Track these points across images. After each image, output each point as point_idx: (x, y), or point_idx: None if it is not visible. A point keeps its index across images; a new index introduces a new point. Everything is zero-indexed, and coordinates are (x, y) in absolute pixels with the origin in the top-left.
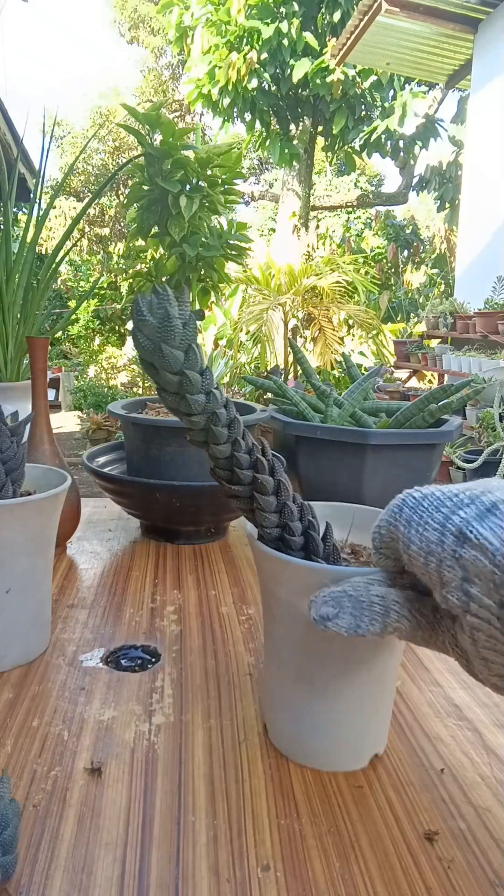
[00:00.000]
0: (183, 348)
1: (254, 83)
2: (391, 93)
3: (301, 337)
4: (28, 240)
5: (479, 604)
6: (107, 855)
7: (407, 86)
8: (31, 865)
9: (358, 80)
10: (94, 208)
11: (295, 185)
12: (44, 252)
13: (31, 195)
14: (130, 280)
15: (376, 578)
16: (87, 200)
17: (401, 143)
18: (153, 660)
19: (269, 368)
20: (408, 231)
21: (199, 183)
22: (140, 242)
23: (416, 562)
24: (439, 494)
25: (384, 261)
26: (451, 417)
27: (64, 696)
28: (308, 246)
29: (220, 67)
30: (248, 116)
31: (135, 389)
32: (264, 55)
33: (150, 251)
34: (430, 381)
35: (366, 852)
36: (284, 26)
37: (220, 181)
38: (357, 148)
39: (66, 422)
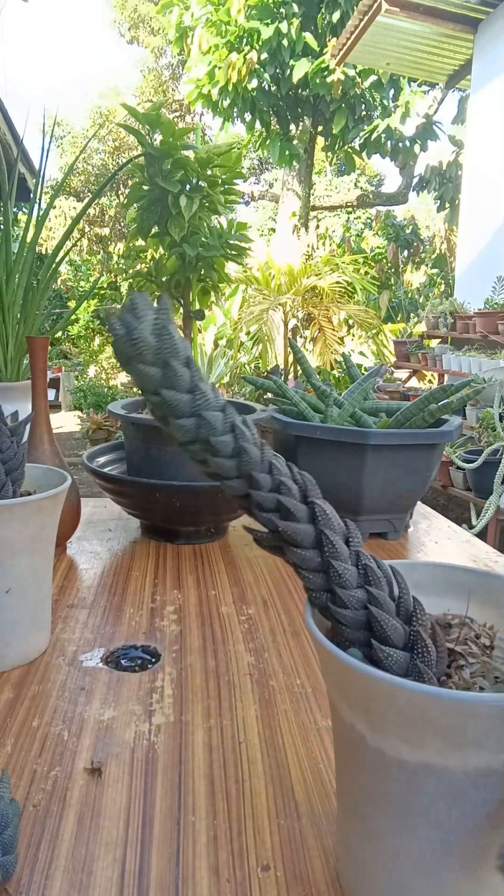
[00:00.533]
0: (159, 364)
1: (254, 83)
2: (391, 92)
3: (301, 337)
4: (28, 240)
5: None
6: (107, 855)
7: (411, 84)
8: (31, 865)
9: (358, 80)
10: (94, 208)
11: (295, 185)
12: (44, 252)
13: (31, 195)
14: (130, 280)
15: None
16: (87, 200)
17: (400, 144)
18: (153, 660)
19: (269, 368)
20: (408, 231)
21: (199, 183)
22: (140, 242)
23: None
24: None
25: (384, 261)
26: (451, 417)
27: (64, 696)
28: (308, 246)
29: (220, 68)
30: (248, 116)
31: (135, 389)
32: (264, 55)
33: (150, 251)
34: (430, 381)
35: None
36: (284, 26)
37: (220, 181)
38: (357, 148)
39: (66, 422)
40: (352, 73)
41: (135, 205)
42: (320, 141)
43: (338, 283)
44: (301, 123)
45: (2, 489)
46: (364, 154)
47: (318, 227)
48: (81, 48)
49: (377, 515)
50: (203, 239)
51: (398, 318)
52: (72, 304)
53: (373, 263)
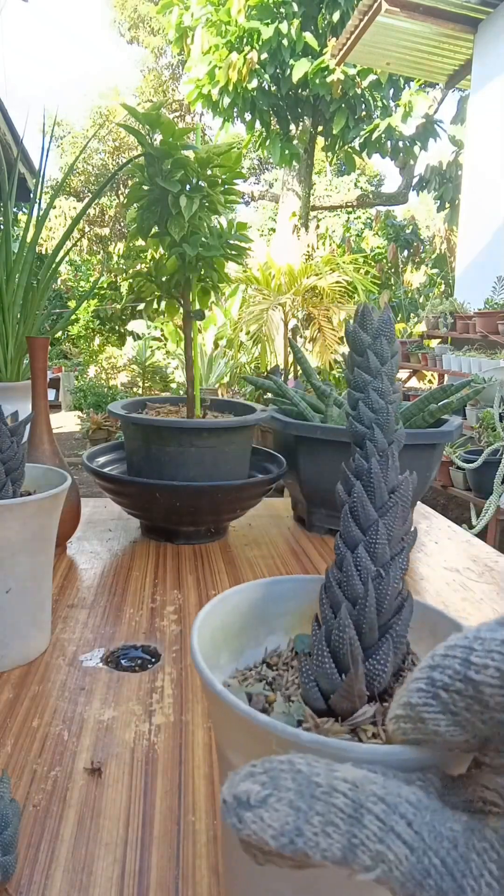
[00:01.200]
0: (364, 351)
1: (254, 83)
2: (391, 91)
3: (301, 337)
4: (28, 240)
5: None
6: (107, 855)
7: (411, 84)
8: (31, 865)
9: (357, 79)
10: (94, 208)
11: (295, 185)
12: (44, 252)
13: (31, 195)
14: (130, 280)
15: (379, 761)
16: (87, 200)
17: (401, 144)
18: (153, 660)
19: (269, 368)
20: (408, 231)
21: (199, 183)
22: (140, 242)
23: None
24: None
25: (384, 261)
26: (451, 417)
27: (64, 696)
28: (308, 246)
29: (220, 68)
30: (248, 116)
31: (135, 389)
32: (264, 55)
33: (150, 251)
34: (430, 381)
35: None
36: (284, 27)
37: (220, 181)
38: (357, 148)
39: (66, 422)
40: (351, 72)
41: (135, 205)
42: (320, 141)
43: (338, 282)
44: (301, 123)
45: (2, 489)
46: (364, 154)
47: (318, 227)
48: (81, 48)
49: None
50: (203, 239)
51: (398, 318)
52: (72, 304)
53: (373, 263)
